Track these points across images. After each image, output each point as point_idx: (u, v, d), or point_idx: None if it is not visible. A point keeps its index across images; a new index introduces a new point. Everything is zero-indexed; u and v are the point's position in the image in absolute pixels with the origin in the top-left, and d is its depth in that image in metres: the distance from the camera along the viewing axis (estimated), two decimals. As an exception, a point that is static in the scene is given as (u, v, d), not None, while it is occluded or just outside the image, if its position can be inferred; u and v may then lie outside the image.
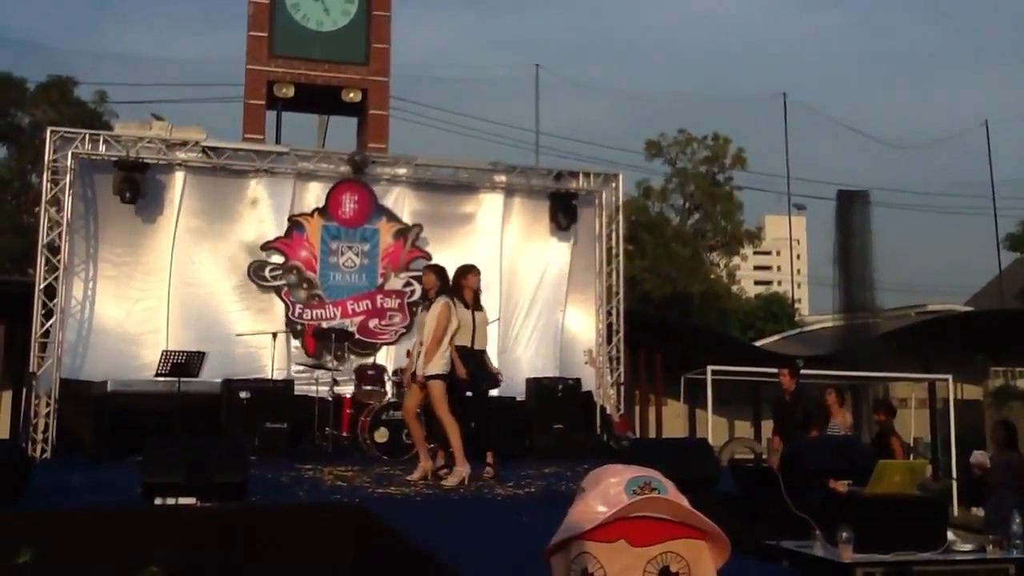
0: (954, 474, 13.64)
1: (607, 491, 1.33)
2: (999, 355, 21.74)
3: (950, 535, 5.67)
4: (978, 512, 9.97)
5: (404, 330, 11.55)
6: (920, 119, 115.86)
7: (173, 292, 10.85)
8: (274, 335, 10.36)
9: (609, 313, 12.44)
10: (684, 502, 1.34)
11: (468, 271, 7.80)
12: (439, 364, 7.15)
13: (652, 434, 16.15)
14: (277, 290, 11.23)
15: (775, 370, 16.40)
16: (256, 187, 11.34)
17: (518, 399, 10.85)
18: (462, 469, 7.02)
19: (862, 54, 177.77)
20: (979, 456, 8.84)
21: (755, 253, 53.80)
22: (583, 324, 12.39)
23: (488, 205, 12.27)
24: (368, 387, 9.94)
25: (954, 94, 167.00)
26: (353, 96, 13.55)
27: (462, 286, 7.65)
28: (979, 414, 19.29)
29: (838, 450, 6.82)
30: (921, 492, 6.38)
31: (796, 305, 33.82)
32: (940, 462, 16.63)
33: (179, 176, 11.08)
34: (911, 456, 11.79)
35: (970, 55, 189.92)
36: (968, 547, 5.68)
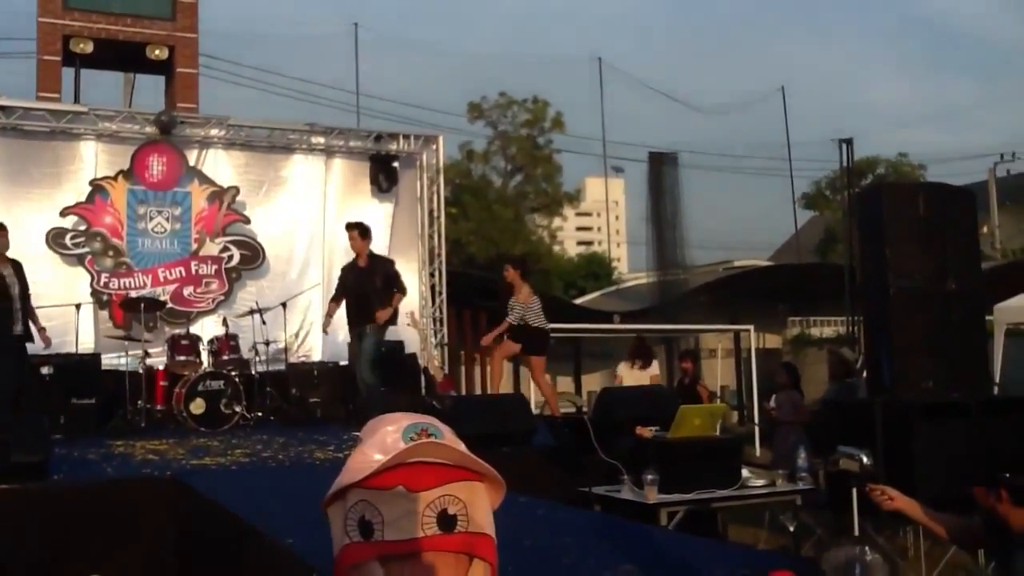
0: (756, 418, 14.64)
1: (384, 439, 1.37)
2: (797, 306, 23.43)
3: (745, 472, 6.12)
4: (775, 451, 10.75)
5: (222, 297, 11.20)
6: (724, 84, 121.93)
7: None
8: (77, 306, 9.80)
9: (432, 275, 12.53)
10: (461, 446, 1.40)
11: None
12: None
13: (478, 392, 16.44)
14: (80, 258, 10.61)
15: (593, 326, 16.99)
16: (52, 148, 10.65)
17: (341, 364, 10.77)
18: None
19: (672, 21, 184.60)
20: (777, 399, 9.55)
21: (577, 215, 55.29)
22: (406, 287, 12.39)
23: (307, 167, 12.03)
24: (182, 357, 9.59)
25: (756, 61, 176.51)
26: (159, 53, 12.88)
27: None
28: (779, 361, 20.75)
29: (646, 399, 7.21)
30: (723, 435, 6.84)
31: (615, 264, 35.08)
32: (745, 407, 17.81)
33: (-37, 137, 10.24)
34: (717, 402, 12.57)
35: (770, 25, 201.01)
36: (761, 482, 6.16)
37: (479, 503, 1.41)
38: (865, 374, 8.33)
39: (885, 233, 6.60)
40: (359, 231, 8.64)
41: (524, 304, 8.82)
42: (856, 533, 4.45)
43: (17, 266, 7.75)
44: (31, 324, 8.05)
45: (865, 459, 3.97)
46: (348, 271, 8.77)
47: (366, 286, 8.45)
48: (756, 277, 23.20)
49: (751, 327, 15.61)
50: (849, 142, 17.49)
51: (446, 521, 1.37)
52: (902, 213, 6.66)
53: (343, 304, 8.90)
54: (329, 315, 9.08)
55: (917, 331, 6.57)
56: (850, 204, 17.16)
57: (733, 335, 19.47)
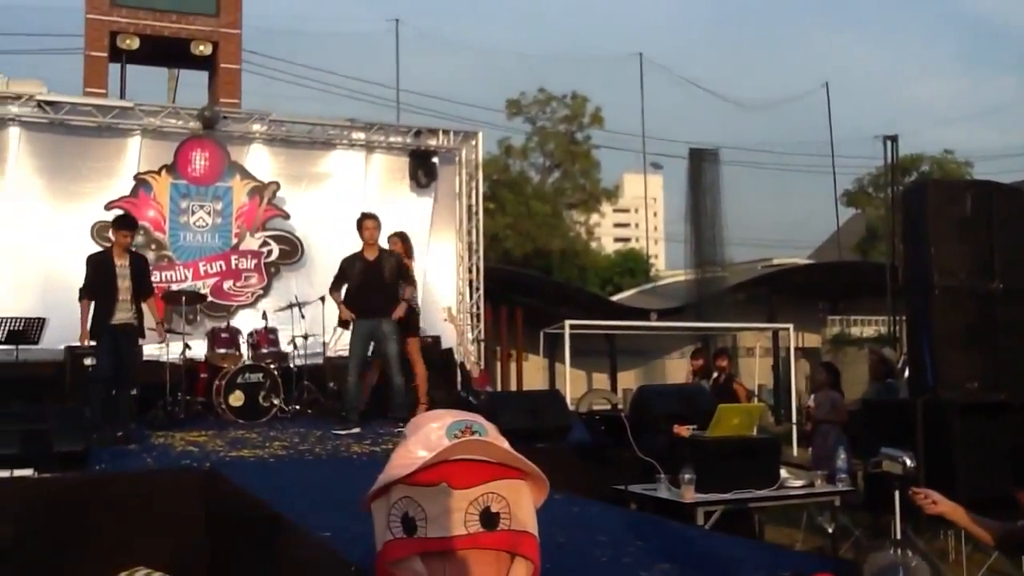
0: (794, 418, 14.49)
1: (428, 436, 1.36)
2: (836, 304, 23.15)
3: (783, 473, 6.05)
4: (815, 451, 10.63)
5: (261, 292, 11.32)
6: (767, 80, 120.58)
7: (8, 254, 10.27)
8: (120, 299, 9.94)
9: (469, 270, 12.56)
10: (504, 444, 1.39)
11: None
12: None
13: (513, 388, 16.44)
14: (123, 252, 10.76)
15: (629, 323, 16.92)
16: (98, 144, 10.82)
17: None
18: None
19: (713, 16, 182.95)
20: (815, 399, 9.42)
21: (614, 211, 55.09)
22: (444, 282, 12.43)
23: (347, 162, 12.11)
24: (222, 350, 9.69)
25: (798, 56, 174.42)
26: (203, 49, 13.04)
27: None
28: (818, 360, 20.52)
29: (683, 397, 7.16)
30: (762, 435, 6.77)
31: (652, 261, 34.92)
32: (783, 407, 17.63)
33: (13, 132, 10.44)
34: (754, 401, 12.46)
35: (814, 20, 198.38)
36: (799, 483, 6.09)
37: (522, 501, 1.40)
38: (907, 374, 8.20)
39: (930, 231, 6.50)
40: (377, 223, 8.27)
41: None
42: (897, 536, 4.38)
43: (136, 260, 7.76)
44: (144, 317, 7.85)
45: (909, 461, 3.89)
46: (353, 262, 8.23)
47: (376, 279, 8.06)
48: (795, 275, 22.93)
49: (790, 326, 15.44)
50: (894, 139, 17.25)
51: (489, 519, 1.36)
52: (947, 211, 6.55)
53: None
54: (339, 304, 8.33)
55: (961, 330, 6.46)
56: (894, 201, 16.91)
57: (772, 334, 19.28)
